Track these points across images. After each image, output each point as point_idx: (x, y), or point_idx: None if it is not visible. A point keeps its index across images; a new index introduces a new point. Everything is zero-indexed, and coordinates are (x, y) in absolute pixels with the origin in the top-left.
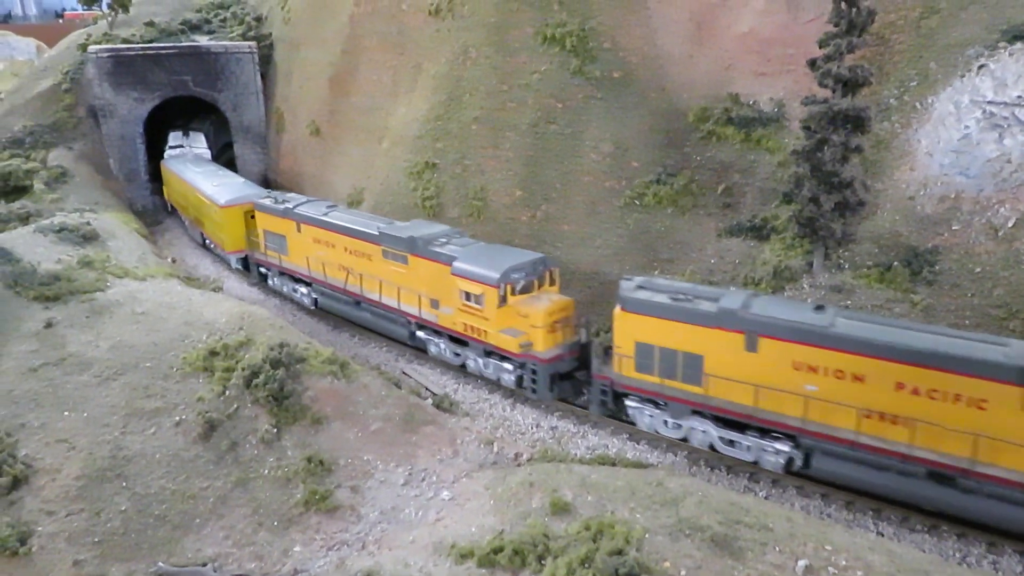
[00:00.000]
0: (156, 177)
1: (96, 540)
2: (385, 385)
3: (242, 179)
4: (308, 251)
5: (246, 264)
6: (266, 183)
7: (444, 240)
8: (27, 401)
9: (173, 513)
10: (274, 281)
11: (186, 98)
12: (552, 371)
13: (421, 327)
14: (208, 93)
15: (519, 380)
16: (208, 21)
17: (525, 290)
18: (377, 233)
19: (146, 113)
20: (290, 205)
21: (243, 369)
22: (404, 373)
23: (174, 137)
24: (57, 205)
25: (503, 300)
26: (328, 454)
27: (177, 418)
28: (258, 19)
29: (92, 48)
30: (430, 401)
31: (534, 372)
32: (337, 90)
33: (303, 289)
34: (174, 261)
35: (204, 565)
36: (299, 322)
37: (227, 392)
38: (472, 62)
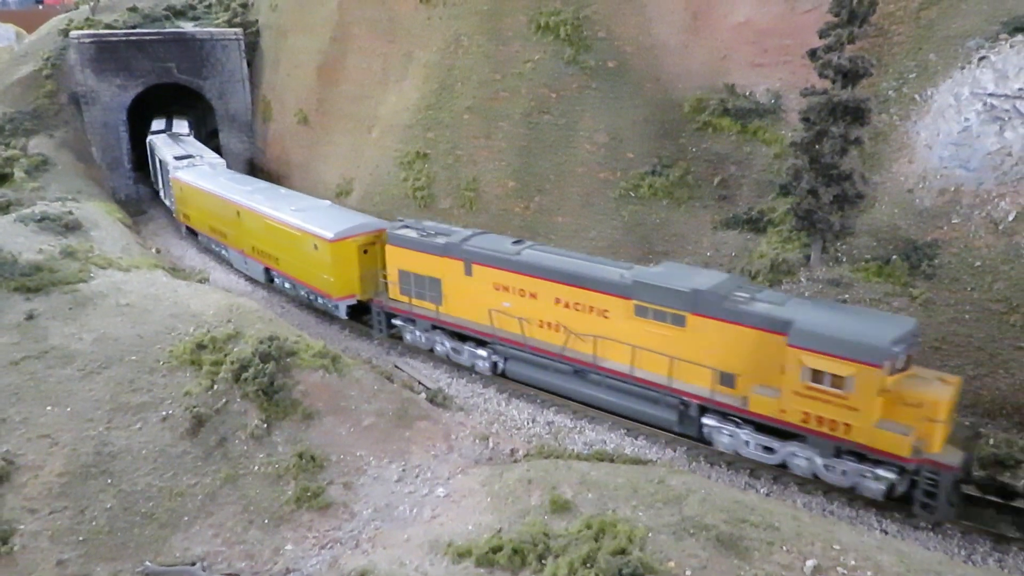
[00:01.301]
0: (139, 166)
1: (80, 539)
2: (377, 379)
3: (327, 201)
4: (487, 301)
5: (354, 312)
6: (252, 171)
7: (745, 295)
8: (8, 395)
9: (160, 511)
10: (416, 336)
11: (170, 85)
12: (954, 479)
13: (707, 410)
14: (193, 80)
15: (891, 490)
16: (193, 7)
17: (902, 368)
18: (627, 282)
19: (129, 100)
20: (454, 239)
21: (232, 363)
22: (396, 367)
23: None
24: (38, 194)
25: (885, 384)
26: (320, 450)
27: (164, 413)
28: (244, 5)
29: (74, 34)
30: (423, 395)
31: (931, 483)
32: (325, 78)
33: (479, 351)
34: (158, 251)
35: (193, 564)
36: (288, 314)
37: (215, 386)
38: (464, 50)
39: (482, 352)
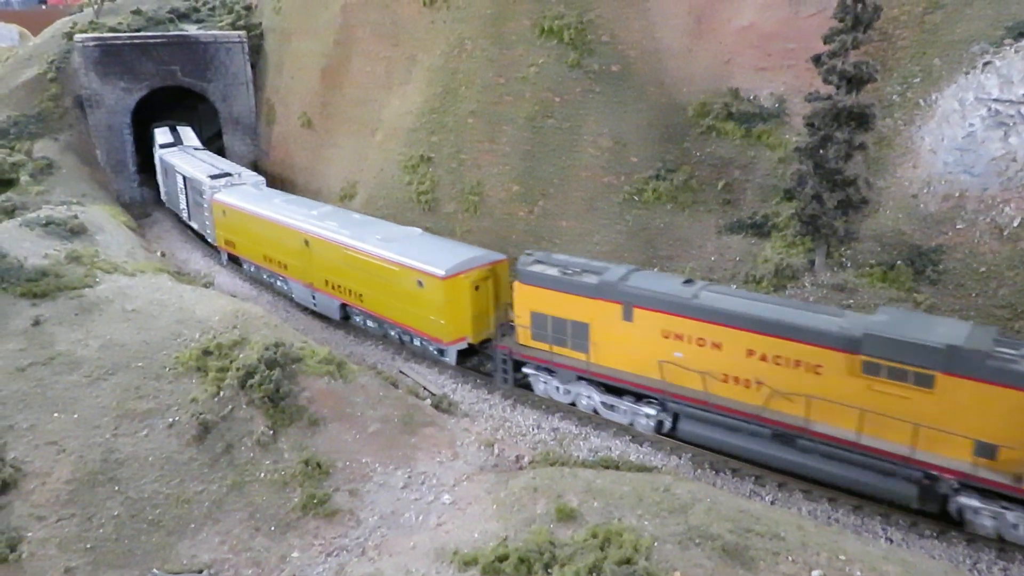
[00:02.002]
0: (143, 169)
1: (88, 546)
2: (383, 385)
3: (418, 230)
4: (653, 350)
5: (463, 356)
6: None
7: (1012, 352)
8: (15, 402)
9: (167, 518)
10: (553, 387)
11: (174, 88)
12: None
13: (966, 487)
14: (197, 83)
15: None
16: (197, 10)
17: None
18: (850, 334)
19: (134, 103)
20: (608, 278)
21: (238, 369)
22: (402, 372)
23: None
24: (43, 198)
25: None
26: (326, 456)
27: (170, 420)
28: (248, 8)
29: (78, 37)
30: (429, 401)
31: None
32: (329, 81)
33: (643, 408)
34: (163, 255)
35: (200, 572)
36: (293, 319)
37: (221, 393)
38: (468, 54)
39: (647, 409)
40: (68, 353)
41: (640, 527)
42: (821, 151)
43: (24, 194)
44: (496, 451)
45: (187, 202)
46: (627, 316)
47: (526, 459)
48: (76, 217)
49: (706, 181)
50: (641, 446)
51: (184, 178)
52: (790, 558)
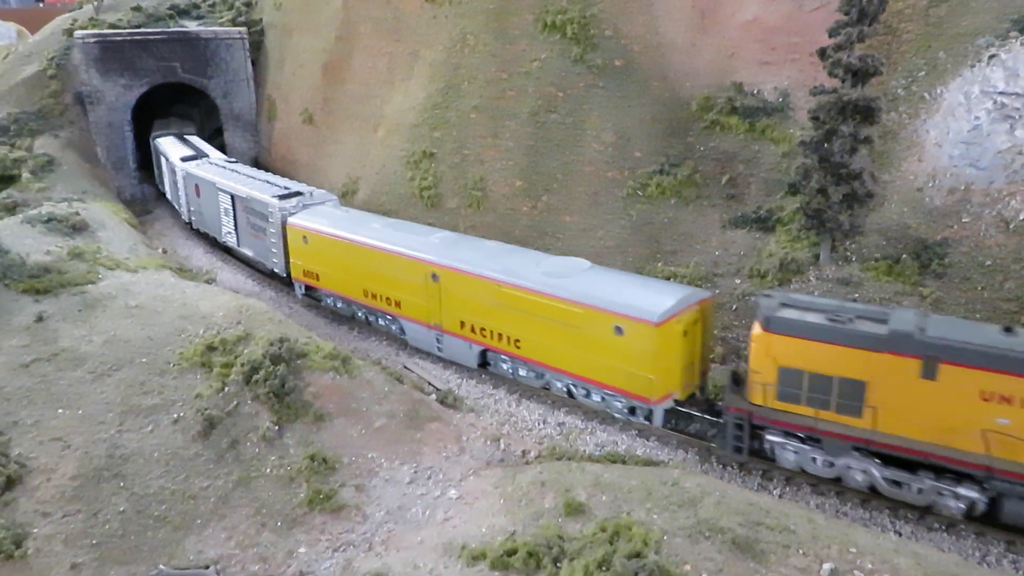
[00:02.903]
0: (144, 165)
1: (94, 542)
2: (388, 381)
3: (586, 262)
4: (968, 416)
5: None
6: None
7: None
8: (19, 398)
9: (173, 514)
10: (810, 458)
11: (174, 84)
12: None
13: None
14: (197, 80)
15: None
16: (197, 6)
17: None
18: None
19: (134, 100)
20: (901, 327)
21: (242, 365)
22: (406, 368)
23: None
24: (44, 194)
25: None
26: (331, 452)
27: (175, 415)
28: (248, 4)
29: (78, 33)
30: (434, 396)
31: None
32: (331, 77)
33: (953, 487)
34: (165, 252)
35: (207, 568)
36: (296, 315)
37: (226, 388)
38: (470, 49)
39: (963, 489)
40: (72, 349)
41: (649, 521)
42: (826, 145)
43: (25, 191)
44: (502, 446)
45: (237, 225)
46: (929, 374)
47: (533, 454)
48: (78, 214)
49: (710, 176)
50: (648, 440)
51: (234, 198)
52: (800, 551)
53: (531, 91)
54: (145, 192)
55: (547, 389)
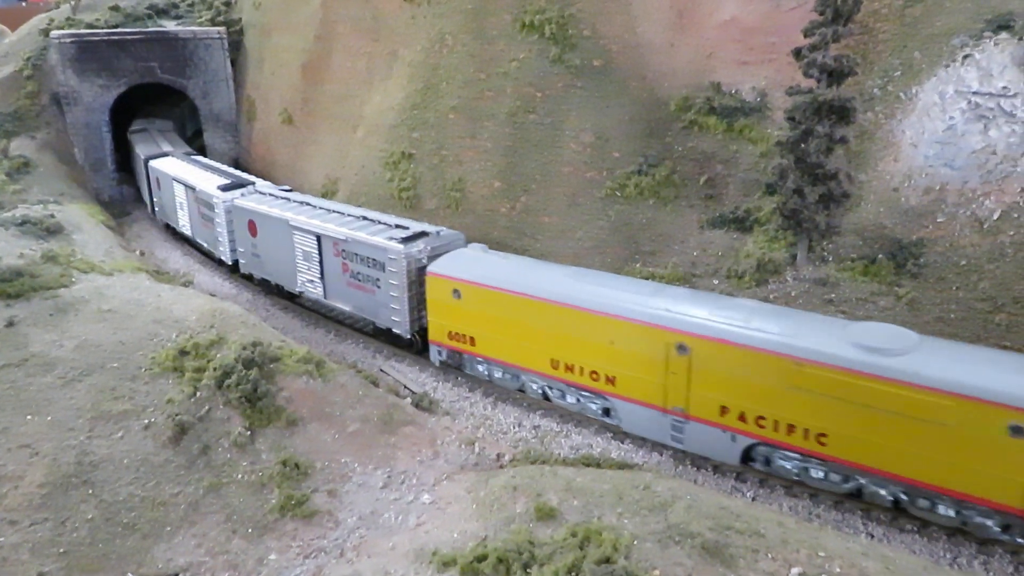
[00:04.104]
0: (122, 167)
1: (61, 551)
2: (363, 384)
3: (914, 333)
4: None
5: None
6: (238, 169)
7: None
8: None
9: (142, 521)
10: None
11: (153, 85)
12: None
13: None
14: (176, 80)
15: None
16: (175, 5)
17: None
18: None
19: (112, 100)
20: None
21: (215, 369)
22: (382, 371)
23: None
24: (20, 197)
25: None
26: (304, 457)
27: (146, 421)
28: (227, 3)
29: (55, 33)
30: (409, 400)
31: None
32: (310, 77)
33: None
34: (142, 254)
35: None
36: (272, 318)
37: (198, 393)
38: (449, 49)
39: None
40: (42, 354)
41: (620, 526)
42: (802, 145)
43: (0, 193)
44: (477, 449)
45: (325, 273)
46: None
47: (507, 457)
48: (52, 216)
49: (688, 176)
50: (623, 443)
51: (321, 239)
52: (770, 555)
53: (509, 91)
54: (124, 193)
55: (855, 495)
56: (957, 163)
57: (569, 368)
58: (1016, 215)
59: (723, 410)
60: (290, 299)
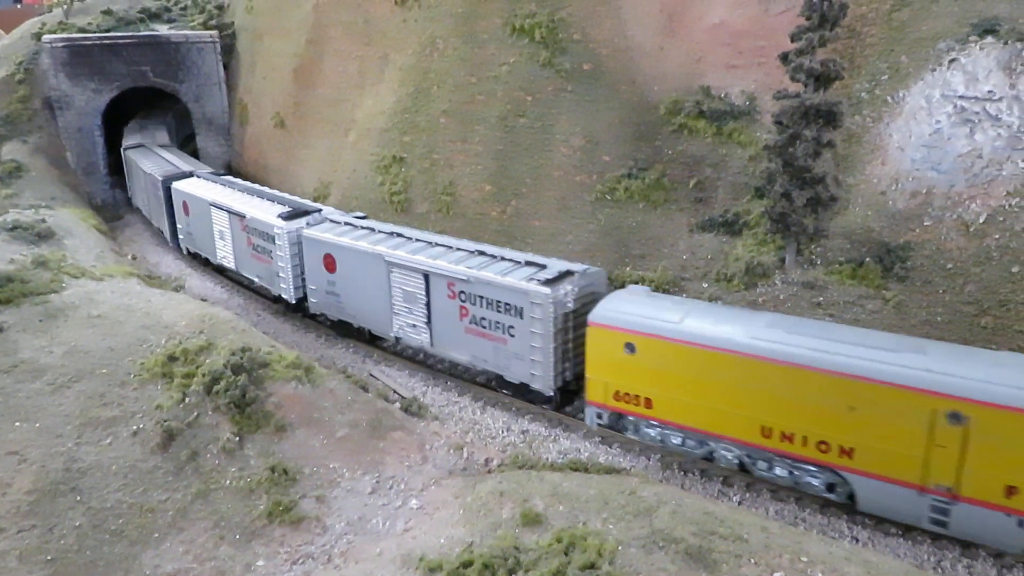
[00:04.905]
0: (115, 171)
1: (49, 558)
2: (352, 389)
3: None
4: None
5: None
6: (231, 174)
7: None
8: None
9: (130, 528)
10: None
11: (146, 89)
12: None
13: None
14: (168, 84)
15: None
16: (168, 9)
17: None
18: None
19: (104, 105)
20: None
21: (204, 375)
22: (371, 375)
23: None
24: (11, 201)
25: None
26: (292, 463)
27: (134, 427)
28: (220, 7)
29: (47, 38)
30: (398, 405)
31: None
32: (302, 81)
33: None
34: (134, 258)
35: None
36: (263, 323)
37: (187, 399)
38: (440, 53)
39: None
40: (31, 361)
41: (605, 531)
42: (790, 149)
43: None
44: (465, 454)
45: (432, 317)
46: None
47: (495, 462)
48: (44, 221)
49: (678, 179)
50: (610, 447)
51: (429, 277)
52: (752, 560)
53: (500, 95)
54: (116, 197)
55: None
56: (943, 167)
57: (787, 437)
58: (1002, 218)
59: (1010, 491)
60: (371, 341)
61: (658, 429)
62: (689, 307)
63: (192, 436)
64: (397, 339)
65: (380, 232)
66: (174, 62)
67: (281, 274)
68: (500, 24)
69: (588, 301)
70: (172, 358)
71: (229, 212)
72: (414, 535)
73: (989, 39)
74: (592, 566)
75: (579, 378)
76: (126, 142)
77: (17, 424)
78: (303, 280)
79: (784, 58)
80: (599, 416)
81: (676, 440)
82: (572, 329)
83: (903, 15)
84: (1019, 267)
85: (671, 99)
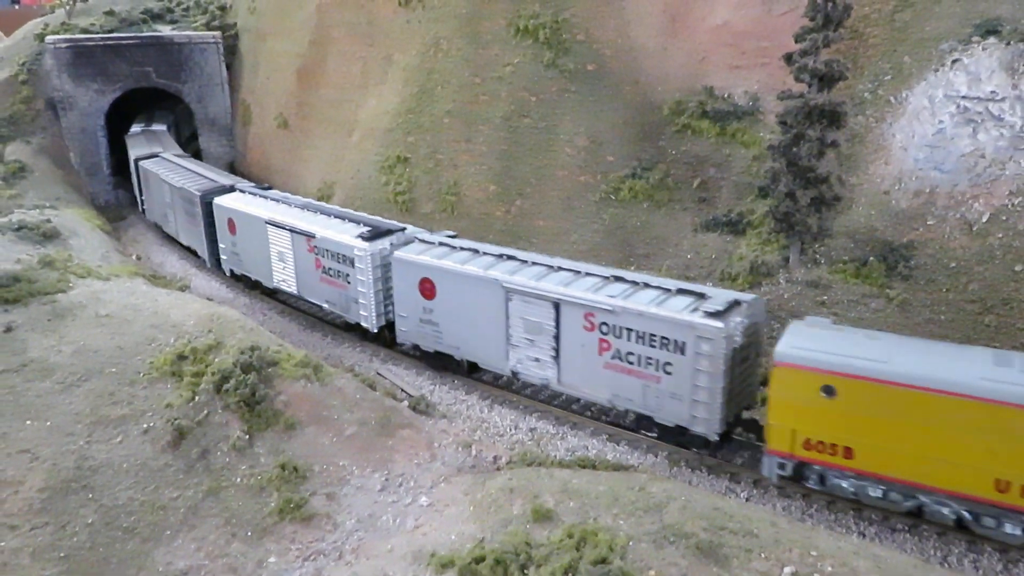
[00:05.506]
0: (118, 171)
1: (62, 555)
2: (360, 388)
3: None
4: None
5: None
6: (234, 174)
7: None
8: None
9: (142, 525)
10: None
11: (148, 89)
12: None
13: None
14: (171, 84)
15: None
16: (171, 10)
17: None
18: None
19: (107, 105)
20: None
21: (213, 374)
22: (379, 374)
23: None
24: (16, 202)
25: None
26: (302, 460)
27: (145, 425)
28: (222, 8)
29: (50, 38)
30: (406, 403)
31: None
32: (305, 82)
33: None
34: (139, 258)
35: None
36: (269, 322)
37: (196, 398)
38: (444, 54)
39: None
40: (41, 360)
41: (615, 527)
42: (794, 149)
43: None
44: (474, 452)
45: (561, 349)
46: None
47: (503, 459)
48: (49, 221)
49: (682, 179)
50: (618, 445)
51: (560, 307)
52: (763, 555)
53: (504, 96)
54: (120, 198)
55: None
56: (946, 166)
57: None
58: (1004, 218)
59: None
60: (470, 372)
61: (852, 480)
62: (886, 342)
63: (202, 434)
64: (514, 374)
65: (487, 254)
66: (177, 63)
67: (361, 300)
68: (504, 25)
69: (752, 334)
70: (181, 357)
71: (292, 231)
72: (424, 532)
73: (991, 40)
74: (604, 561)
75: (739, 420)
76: (136, 150)
77: (28, 423)
78: (388, 307)
79: (788, 58)
80: (781, 467)
81: (875, 492)
82: (738, 366)
83: (906, 16)
84: (1022, 266)
85: (675, 99)
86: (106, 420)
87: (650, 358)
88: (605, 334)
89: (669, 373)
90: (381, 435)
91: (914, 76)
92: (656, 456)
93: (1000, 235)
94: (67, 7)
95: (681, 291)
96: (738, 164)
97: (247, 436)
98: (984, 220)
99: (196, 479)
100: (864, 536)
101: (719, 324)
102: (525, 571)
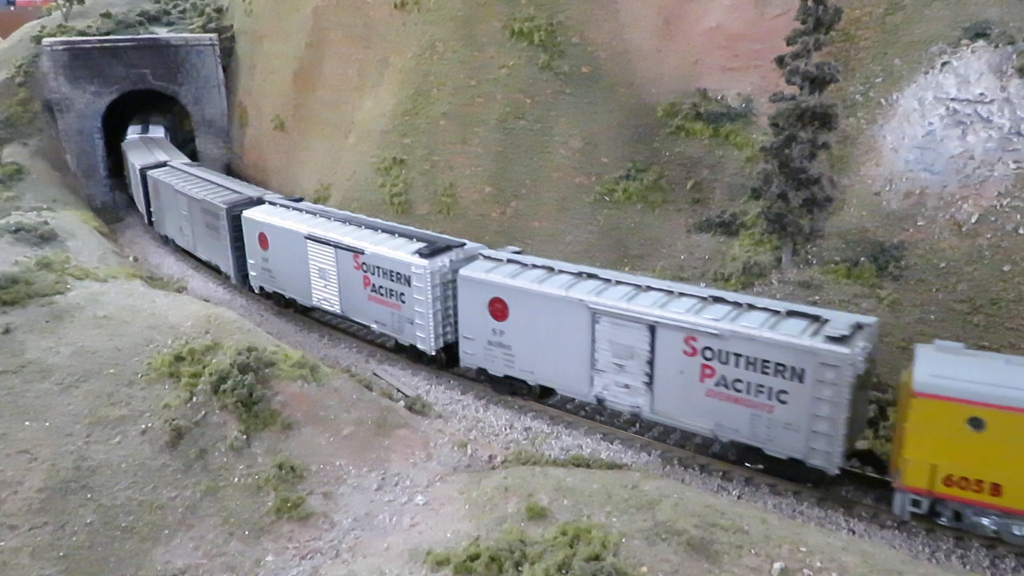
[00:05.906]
0: (115, 173)
1: (61, 555)
2: (356, 388)
3: None
4: None
5: None
6: (231, 175)
7: None
8: None
9: (141, 525)
10: None
11: (145, 91)
12: None
13: None
14: (168, 86)
15: None
16: (167, 12)
17: None
18: None
19: (104, 107)
20: None
21: (210, 375)
22: (375, 375)
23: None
24: (12, 203)
25: None
26: (299, 460)
27: (143, 426)
28: (219, 10)
29: (46, 41)
30: (402, 403)
31: None
32: (301, 84)
33: None
34: (136, 260)
35: None
36: (266, 323)
37: (194, 398)
38: (439, 56)
39: None
40: (39, 361)
41: (608, 524)
42: (786, 151)
43: None
44: (469, 451)
45: (652, 373)
46: None
47: (499, 459)
48: (46, 223)
49: (675, 181)
50: (612, 443)
51: (655, 329)
52: (753, 551)
53: (499, 98)
54: (116, 199)
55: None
56: (936, 168)
57: None
58: (993, 218)
59: None
60: (541, 396)
61: (995, 518)
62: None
63: (200, 434)
64: (599, 401)
65: (564, 272)
66: (173, 65)
67: (418, 320)
68: (499, 27)
69: (871, 360)
70: (179, 358)
71: (337, 247)
72: (420, 530)
73: (980, 42)
74: (597, 558)
75: (854, 451)
76: (139, 159)
77: (27, 423)
78: (447, 327)
79: (780, 61)
80: (915, 504)
81: (1020, 531)
82: (857, 393)
83: (896, 19)
84: (1010, 266)
85: (668, 101)
86: (104, 420)
87: (762, 385)
88: (709, 359)
89: (784, 402)
90: (377, 435)
91: (904, 78)
92: (649, 455)
93: (989, 235)
94: (64, 9)
95: (792, 313)
96: (731, 165)
97: (244, 436)
98: (973, 221)
99: (194, 479)
100: (854, 532)
101: (845, 350)
102: (519, 568)
